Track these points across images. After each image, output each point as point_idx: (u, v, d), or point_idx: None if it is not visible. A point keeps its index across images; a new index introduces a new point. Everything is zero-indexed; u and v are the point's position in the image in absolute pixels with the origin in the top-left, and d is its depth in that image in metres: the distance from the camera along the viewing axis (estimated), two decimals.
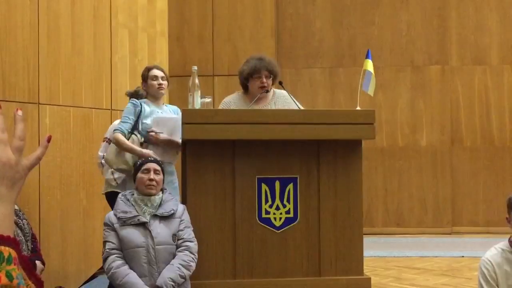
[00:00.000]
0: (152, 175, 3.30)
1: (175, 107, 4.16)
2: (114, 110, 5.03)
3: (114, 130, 3.88)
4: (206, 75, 7.37)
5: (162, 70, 4.04)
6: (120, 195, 3.35)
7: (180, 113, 4.07)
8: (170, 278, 3.08)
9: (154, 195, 3.29)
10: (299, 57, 7.85)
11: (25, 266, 1.07)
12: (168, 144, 3.86)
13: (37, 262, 3.30)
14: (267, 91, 3.89)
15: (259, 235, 3.49)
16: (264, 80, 3.85)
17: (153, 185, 3.29)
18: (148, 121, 3.87)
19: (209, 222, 3.47)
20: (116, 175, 4.15)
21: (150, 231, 3.16)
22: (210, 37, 7.63)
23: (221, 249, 3.46)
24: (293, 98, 3.87)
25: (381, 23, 7.80)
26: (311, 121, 3.51)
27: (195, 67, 3.70)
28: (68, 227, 4.54)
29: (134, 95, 4.21)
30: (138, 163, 3.40)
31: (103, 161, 4.18)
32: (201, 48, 7.63)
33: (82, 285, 4.71)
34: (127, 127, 3.86)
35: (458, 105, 7.70)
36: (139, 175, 3.31)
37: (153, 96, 3.99)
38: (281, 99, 3.96)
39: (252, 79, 3.88)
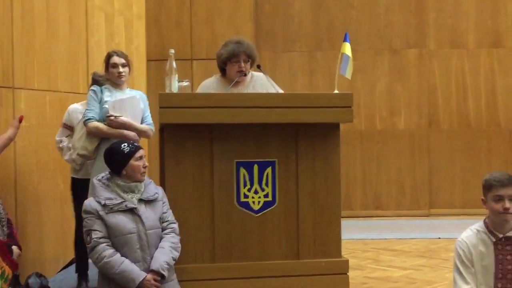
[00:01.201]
0: (145, 162, 3.27)
1: (139, 92, 4.14)
2: None
3: (86, 120, 3.84)
4: (185, 59, 7.31)
5: (123, 56, 4.00)
6: (95, 180, 3.22)
7: (144, 97, 4.06)
8: (165, 261, 3.08)
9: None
10: (277, 41, 7.82)
11: None
12: (127, 128, 3.83)
13: (14, 247, 3.27)
14: (245, 75, 3.87)
15: (237, 219, 3.49)
16: (242, 64, 3.83)
17: (145, 172, 3.27)
18: (107, 105, 3.84)
19: (187, 206, 3.46)
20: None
21: (139, 216, 3.12)
22: (188, 20, 7.56)
23: (200, 233, 3.46)
24: (272, 82, 3.86)
25: (359, 7, 7.80)
26: (289, 104, 3.50)
27: (172, 51, 3.66)
28: (45, 213, 4.50)
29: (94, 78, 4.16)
30: (126, 150, 3.20)
31: (61, 145, 4.21)
32: (179, 32, 7.56)
33: (60, 271, 4.68)
34: (95, 114, 3.84)
35: (436, 89, 7.75)
36: (134, 162, 3.18)
37: (114, 82, 3.99)
38: (259, 82, 3.95)
39: (230, 63, 3.85)
